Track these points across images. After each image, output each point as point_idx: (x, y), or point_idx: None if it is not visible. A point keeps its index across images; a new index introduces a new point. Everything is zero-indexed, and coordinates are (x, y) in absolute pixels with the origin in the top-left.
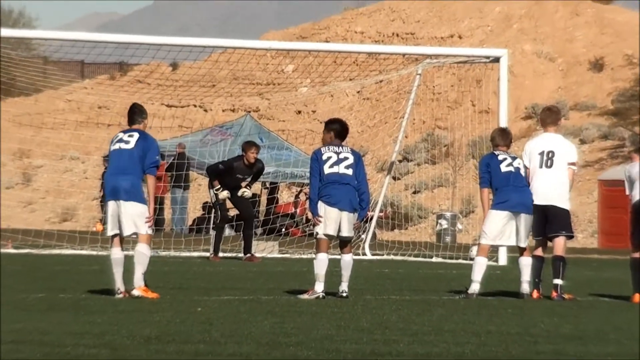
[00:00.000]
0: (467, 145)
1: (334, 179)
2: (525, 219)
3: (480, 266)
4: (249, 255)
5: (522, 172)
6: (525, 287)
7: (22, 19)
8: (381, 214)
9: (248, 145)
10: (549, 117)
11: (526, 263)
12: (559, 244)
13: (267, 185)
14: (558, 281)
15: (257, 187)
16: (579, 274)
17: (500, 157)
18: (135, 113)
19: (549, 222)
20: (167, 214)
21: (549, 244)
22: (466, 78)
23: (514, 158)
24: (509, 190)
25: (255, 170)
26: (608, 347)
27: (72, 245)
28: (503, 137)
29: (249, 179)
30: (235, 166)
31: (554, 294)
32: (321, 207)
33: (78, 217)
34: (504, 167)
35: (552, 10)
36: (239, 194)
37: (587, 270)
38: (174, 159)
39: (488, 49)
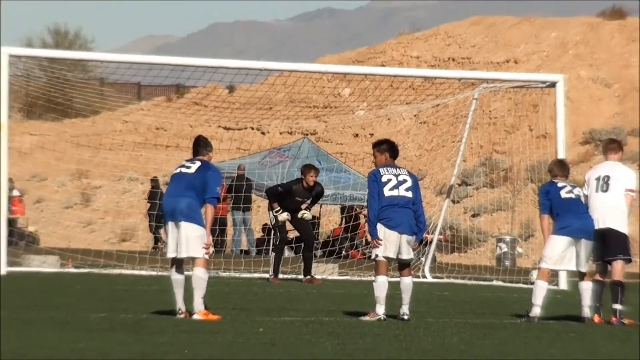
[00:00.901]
0: (526, 169)
1: (394, 202)
2: (585, 245)
3: (541, 290)
4: (309, 277)
5: (582, 199)
6: (587, 312)
7: (78, 41)
8: (441, 236)
9: (307, 168)
10: (610, 145)
11: (587, 287)
12: (617, 268)
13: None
14: (617, 306)
15: (315, 209)
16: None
17: (559, 185)
18: (200, 145)
19: (606, 245)
20: (229, 235)
21: (609, 268)
22: (523, 103)
23: (573, 186)
24: (569, 217)
25: (315, 193)
26: None
27: (132, 265)
28: (561, 168)
29: (308, 202)
30: (295, 189)
31: (614, 319)
32: (381, 229)
33: (137, 237)
34: (564, 194)
35: (608, 37)
36: (299, 216)
37: None
38: (232, 181)
39: (544, 74)
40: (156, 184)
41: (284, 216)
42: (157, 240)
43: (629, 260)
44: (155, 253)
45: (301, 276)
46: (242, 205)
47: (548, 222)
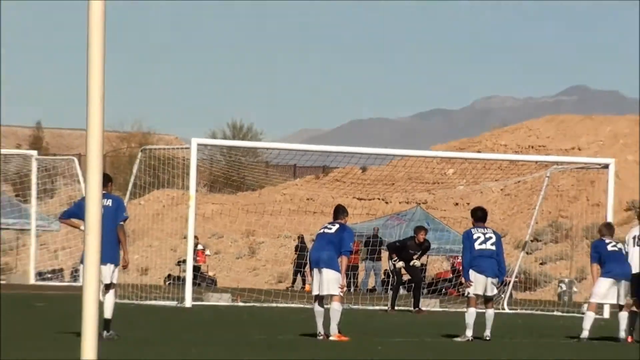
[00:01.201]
0: (582, 229)
1: (482, 254)
2: (624, 284)
3: (589, 318)
4: (417, 309)
5: (623, 252)
6: (622, 334)
7: (250, 133)
8: (517, 279)
9: (418, 228)
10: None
11: (623, 316)
12: None
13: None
14: None
15: (424, 259)
16: None
17: (607, 241)
18: (339, 212)
19: None
20: (359, 278)
21: None
22: (583, 180)
23: (617, 242)
24: (613, 264)
25: (424, 247)
26: None
27: (285, 300)
28: (608, 229)
29: (419, 254)
30: (409, 244)
31: (630, 339)
32: (472, 274)
33: (289, 279)
34: (609, 248)
35: None
36: (411, 264)
37: None
38: (369, 238)
39: (600, 159)
40: (302, 240)
41: (400, 264)
42: (303, 282)
43: None
44: (302, 291)
45: (412, 308)
46: (375, 256)
47: (597, 268)
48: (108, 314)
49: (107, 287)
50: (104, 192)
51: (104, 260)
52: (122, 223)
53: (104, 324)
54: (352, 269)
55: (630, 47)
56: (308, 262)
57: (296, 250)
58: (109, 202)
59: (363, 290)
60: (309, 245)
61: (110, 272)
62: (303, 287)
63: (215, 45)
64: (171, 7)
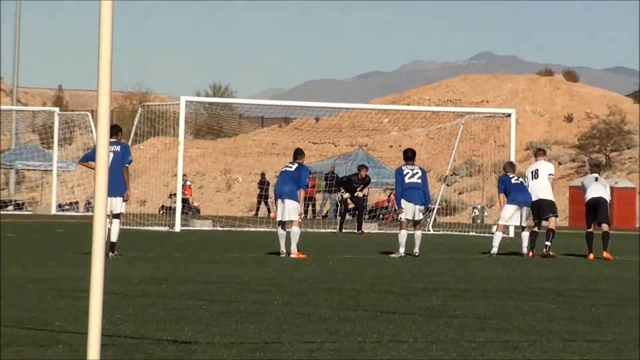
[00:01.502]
0: (491, 165)
1: (410, 186)
2: (525, 209)
3: (498, 238)
4: (360, 231)
5: (524, 184)
6: (524, 250)
7: (227, 91)
8: (439, 206)
9: (361, 166)
10: (538, 151)
11: (525, 236)
12: (552, 221)
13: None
14: (548, 243)
15: (365, 191)
16: (556, 242)
17: (510, 176)
18: (298, 154)
19: (542, 209)
20: (317, 206)
21: (545, 223)
22: (490, 126)
23: (518, 177)
24: (516, 194)
25: (365, 182)
26: (573, 285)
27: (255, 225)
28: (511, 167)
29: (361, 187)
30: (353, 179)
31: (545, 250)
32: (403, 202)
33: (262, 209)
34: (513, 181)
35: (542, 87)
36: (355, 194)
37: (561, 239)
38: (327, 174)
39: (504, 109)
40: (263, 176)
41: (346, 195)
42: (269, 210)
43: (556, 216)
44: (268, 218)
45: (355, 231)
46: (331, 189)
47: (503, 197)
48: (114, 237)
49: (116, 215)
50: (114, 139)
51: (115, 194)
52: (127, 165)
53: (110, 246)
54: (309, 199)
55: (527, 18)
56: (273, 194)
57: (259, 185)
58: (118, 148)
59: (320, 215)
60: (270, 180)
61: (119, 203)
62: (268, 215)
63: (198, 19)
64: None
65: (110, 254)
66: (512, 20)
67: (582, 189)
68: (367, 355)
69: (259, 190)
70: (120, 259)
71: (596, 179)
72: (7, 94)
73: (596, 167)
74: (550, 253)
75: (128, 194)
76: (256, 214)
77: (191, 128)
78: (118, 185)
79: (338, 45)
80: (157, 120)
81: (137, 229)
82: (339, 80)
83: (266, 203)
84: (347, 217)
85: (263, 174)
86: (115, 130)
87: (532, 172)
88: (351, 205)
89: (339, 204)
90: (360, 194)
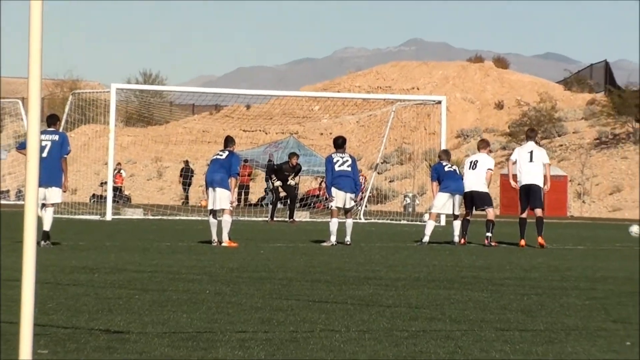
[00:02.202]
0: (422, 153)
1: (340, 174)
2: (458, 198)
3: (430, 226)
4: (292, 219)
5: (457, 172)
6: (456, 238)
7: (157, 79)
8: (370, 194)
9: (292, 154)
10: (480, 143)
11: (457, 224)
12: (490, 213)
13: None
14: (489, 234)
15: (296, 179)
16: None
17: (444, 164)
18: (228, 141)
19: (477, 201)
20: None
21: (475, 212)
22: (421, 113)
23: (452, 165)
24: (449, 182)
25: (296, 170)
26: (504, 273)
27: (187, 214)
28: (446, 155)
29: (292, 174)
30: (284, 167)
31: (486, 242)
32: (333, 190)
33: (190, 197)
34: (446, 169)
35: (472, 73)
36: (287, 183)
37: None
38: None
39: (434, 96)
40: (187, 164)
41: (277, 183)
42: (187, 197)
43: (492, 207)
44: (199, 206)
45: (287, 219)
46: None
47: (436, 185)
48: (47, 226)
49: (52, 205)
50: (53, 129)
51: (52, 183)
52: (65, 156)
53: (43, 235)
54: (241, 187)
55: (457, 5)
56: (204, 182)
57: (181, 173)
58: (56, 137)
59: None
60: (194, 168)
61: (57, 193)
62: (186, 202)
63: (129, 6)
64: None
65: (42, 242)
66: (441, 6)
67: (515, 164)
68: (300, 345)
69: (181, 177)
70: (52, 248)
71: (530, 158)
72: None
73: (532, 132)
74: (492, 244)
75: (67, 184)
76: (186, 202)
77: (122, 116)
78: (56, 175)
79: (269, 32)
80: (88, 108)
81: (69, 218)
82: (269, 67)
83: (186, 190)
84: (279, 205)
85: (187, 162)
86: (53, 119)
87: (471, 162)
88: (283, 194)
89: (271, 193)
90: (292, 182)
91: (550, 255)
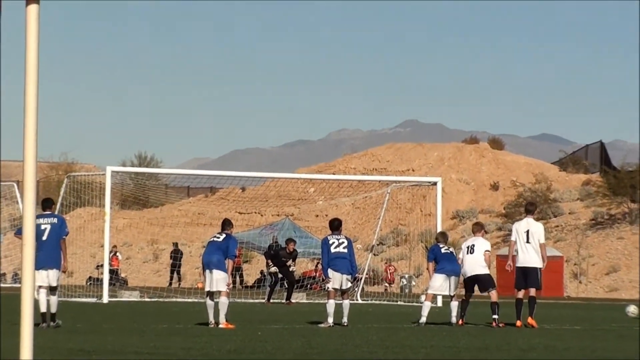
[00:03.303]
0: (418, 234)
1: (337, 256)
2: (454, 279)
3: (426, 307)
4: (289, 301)
5: (454, 254)
6: (454, 319)
7: (152, 161)
8: (367, 275)
9: (289, 241)
10: (475, 226)
11: (454, 305)
12: (493, 295)
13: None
14: (495, 316)
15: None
16: (483, 311)
17: (441, 246)
18: (226, 224)
19: (480, 284)
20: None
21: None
22: (417, 195)
23: (448, 247)
24: (445, 263)
25: (293, 255)
26: (502, 354)
27: (183, 296)
28: (443, 237)
29: (290, 260)
30: (281, 253)
31: (494, 324)
32: (330, 272)
33: (186, 279)
34: (443, 250)
35: (468, 154)
36: (288, 267)
37: (489, 308)
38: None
39: (430, 178)
40: (176, 246)
41: (273, 269)
42: (179, 279)
43: (495, 289)
44: (196, 289)
45: (284, 301)
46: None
47: (432, 266)
48: (53, 309)
49: (53, 288)
50: (50, 212)
51: (53, 265)
52: (64, 237)
53: (51, 317)
54: (237, 269)
55: (452, 87)
56: (201, 264)
57: (171, 255)
58: (55, 220)
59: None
60: (199, 251)
61: (56, 275)
62: (174, 284)
63: (123, 89)
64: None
65: (52, 323)
66: (436, 88)
67: (512, 242)
68: None
69: (171, 259)
70: (48, 330)
71: (527, 238)
72: None
73: (531, 206)
74: (500, 325)
75: (65, 265)
76: (170, 284)
77: (117, 198)
78: (56, 257)
79: (263, 114)
80: (83, 191)
81: (65, 300)
82: (264, 149)
83: (178, 272)
84: (277, 287)
85: (176, 244)
86: (48, 203)
87: (467, 247)
88: (280, 276)
89: (270, 276)
90: (293, 268)
91: (547, 336)
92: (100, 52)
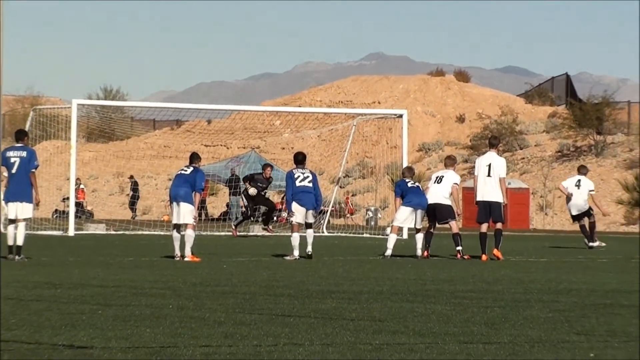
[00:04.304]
0: (384, 167)
1: (301, 190)
2: (420, 212)
3: (392, 239)
4: (267, 227)
5: (420, 188)
6: (419, 252)
7: (118, 94)
8: (333, 208)
9: (265, 166)
10: (447, 160)
11: (419, 237)
12: (453, 226)
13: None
14: (459, 247)
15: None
16: (448, 244)
17: (407, 180)
18: (194, 158)
19: (439, 214)
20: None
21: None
22: (383, 127)
23: (415, 182)
24: (412, 196)
25: (270, 181)
26: (467, 286)
27: (149, 228)
28: (410, 172)
29: (265, 185)
30: (257, 178)
31: (459, 255)
32: (294, 205)
33: (152, 212)
34: (409, 185)
35: (434, 87)
36: (266, 195)
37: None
38: (230, 177)
39: (395, 110)
40: (132, 177)
41: (252, 190)
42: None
43: (455, 220)
44: (162, 221)
45: (262, 226)
46: (235, 191)
47: (399, 201)
48: (20, 241)
49: (13, 221)
50: (21, 144)
51: (22, 199)
52: (33, 170)
53: (16, 250)
54: (203, 202)
55: (418, 19)
56: (168, 197)
57: (130, 188)
58: (24, 154)
59: (234, 221)
60: (148, 181)
61: (28, 208)
62: (134, 217)
63: (89, 21)
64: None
65: (17, 257)
66: (402, 19)
67: (475, 176)
68: (264, 358)
69: (130, 192)
70: (15, 263)
71: (488, 172)
72: None
73: (495, 140)
74: (465, 257)
75: (38, 197)
76: (133, 218)
77: (83, 131)
78: (26, 190)
79: (229, 46)
80: (49, 124)
81: (31, 233)
82: (230, 82)
83: (133, 204)
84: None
85: (132, 176)
86: (21, 135)
87: (436, 177)
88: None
89: (246, 201)
90: (269, 193)
91: (513, 268)
92: None
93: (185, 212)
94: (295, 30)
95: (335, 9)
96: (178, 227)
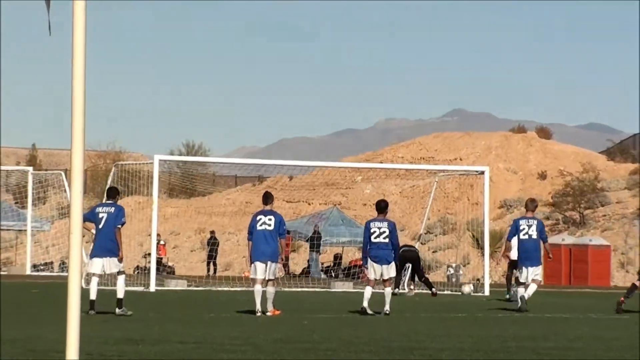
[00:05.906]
0: (465, 223)
1: (377, 246)
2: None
3: (532, 288)
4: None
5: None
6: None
7: (200, 150)
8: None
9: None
10: (529, 205)
11: (521, 290)
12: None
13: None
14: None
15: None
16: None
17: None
18: (268, 198)
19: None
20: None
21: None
22: (464, 184)
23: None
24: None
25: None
26: (549, 343)
27: (229, 285)
28: (531, 204)
29: None
30: None
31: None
32: (369, 262)
33: (234, 267)
34: (522, 236)
35: (515, 143)
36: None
37: (537, 297)
38: (313, 234)
39: (477, 167)
40: (213, 233)
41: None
42: (214, 269)
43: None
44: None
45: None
46: (316, 249)
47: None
48: (120, 294)
49: (119, 273)
50: (111, 201)
51: (108, 254)
52: (119, 226)
53: (117, 302)
54: (286, 259)
55: (500, 74)
56: (248, 254)
57: (208, 244)
58: (112, 210)
59: (316, 277)
60: (230, 237)
61: (112, 263)
62: (214, 273)
63: (172, 78)
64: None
65: (117, 309)
66: (484, 76)
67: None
68: None
69: (208, 248)
70: (95, 319)
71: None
72: None
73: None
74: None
75: (121, 254)
76: (207, 275)
77: (165, 187)
78: (110, 246)
79: (311, 103)
80: (131, 180)
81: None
82: (312, 138)
83: (214, 263)
84: (323, 276)
85: (212, 232)
86: (112, 192)
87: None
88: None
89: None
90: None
91: (594, 325)
92: (149, 39)
93: (271, 268)
94: (378, 86)
95: (418, 65)
96: (261, 281)
